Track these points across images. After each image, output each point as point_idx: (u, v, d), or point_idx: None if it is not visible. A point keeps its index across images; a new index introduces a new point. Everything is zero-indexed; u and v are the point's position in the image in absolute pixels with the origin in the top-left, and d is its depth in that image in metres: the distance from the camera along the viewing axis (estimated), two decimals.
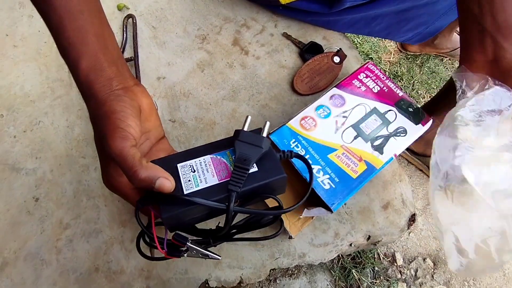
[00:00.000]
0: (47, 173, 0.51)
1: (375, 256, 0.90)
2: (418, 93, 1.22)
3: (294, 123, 0.46)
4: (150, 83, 0.58)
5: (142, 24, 0.63)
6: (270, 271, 0.48)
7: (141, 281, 0.46)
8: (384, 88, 0.50)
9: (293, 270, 0.77)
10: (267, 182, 0.32)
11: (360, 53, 1.26)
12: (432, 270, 0.91)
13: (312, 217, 0.48)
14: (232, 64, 0.60)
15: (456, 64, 1.27)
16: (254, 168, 0.33)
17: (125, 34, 0.61)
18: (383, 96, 0.49)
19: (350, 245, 0.51)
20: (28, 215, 0.48)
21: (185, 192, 0.31)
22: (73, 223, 0.48)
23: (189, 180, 0.32)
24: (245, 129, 0.35)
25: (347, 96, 0.49)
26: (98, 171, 0.51)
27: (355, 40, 1.29)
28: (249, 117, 0.36)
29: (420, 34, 0.68)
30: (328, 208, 0.41)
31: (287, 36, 0.62)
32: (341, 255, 0.81)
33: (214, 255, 0.35)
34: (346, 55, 0.58)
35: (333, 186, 0.42)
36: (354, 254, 0.87)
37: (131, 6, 0.64)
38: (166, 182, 0.29)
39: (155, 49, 0.61)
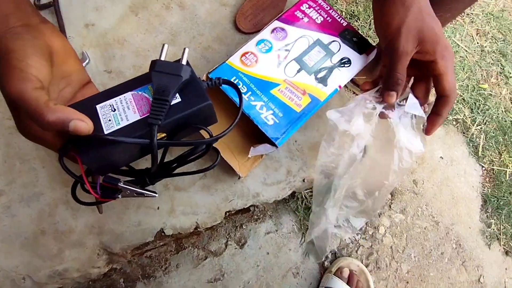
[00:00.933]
0: None
1: None
2: (375, 32, 1.21)
3: (234, 60, 0.43)
4: (77, 32, 0.52)
5: None
6: (226, 213, 0.49)
7: (93, 238, 0.45)
8: (328, 18, 0.48)
9: (258, 214, 0.79)
10: (192, 111, 0.31)
11: None
12: (389, 200, 0.97)
13: (262, 156, 0.47)
14: (169, 5, 0.55)
15: None
16: (177, 99, 0.31)
17: None
18: (327, 26, 0.47)
19: (303, 180, 0.52)
20: None
21: (106, 132, 0.30)
22: (7, 189, 0.45)
23: (110, 120, 0.30)
24: (162, 58, 0.32)
25: (289, 28, 0.46)
26: None
27: None
28: (166, 45, 0.33)
29: None
30: (273, 144, 0.41)
31: None
32: (304, 196, 0.84)
33: (150, 193, 0.35)
34: None
35: (277, 121, 0.41)
36: (310, 190, 0.90)
37: None
38: (81, 124, 0.27)
39: None
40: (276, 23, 0.46)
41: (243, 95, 0.40)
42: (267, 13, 0.54)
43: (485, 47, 1.23)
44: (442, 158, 1.06)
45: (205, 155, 0.35)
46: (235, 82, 0.42)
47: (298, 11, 0.48)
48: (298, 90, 0.43)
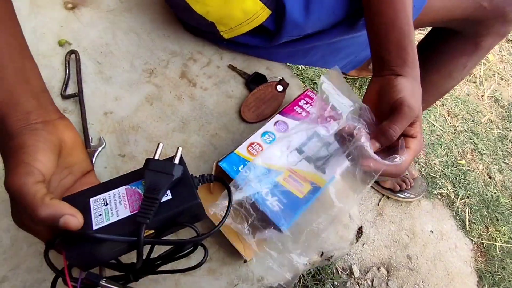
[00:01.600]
0: None
1: (334, 271, 0.93)
2: None
3: (241, 150, 0.48)
4: (97, 119, 0.57)
5: (86, 60, 0.62)
6: None
7: None
8: (323, 112, 0.55)
9: None
10: (181, 210, 0.32)
11: (305, 79, 1.36)
12: (386, 277, 0.96)
13: (265, 239, 0.49)
14: (181, 96, 0.62)
15: None
16: (168, 196, 0.32)
17: (67, 70, 0.60)
18: (323, 120, 0.54)
19: (305, 263, 0.53)
20: None
21: (94, 228, 0.30)
22: (11, 274, 0.44)
23: (100, 215, 0.31)
24: (157, 157, 0.34)
25: (289, 121, 0.52)
26: None
27: (300, 67, 1.39)
28: (161, 145, 0.35)
29: (351, 62, 0.76)
30: (278, 229, 0.43)
31: (232, 67, 0.66)
32: (302, 274, 0.83)
33: None
34: (288, 84, 0.63)
35: (282, 207, 0.45)
36: (313, 271, 0.89)
37: (74, 42, 0.64)
38: (71, 220, 0.28)
39: (101, 84, 0.60)
40: (278, 117, 0.53)
41: (232, 190, 0.40)
42: (268, 105, 0.61)
43: (457, 126, 1.36)
44: (432, 232, 1.09)
45: (192, 253, 0.35)
46: (241, 169, 0.46)
47: (297, 106, 0.55)
48: (300, 178, 0.48)
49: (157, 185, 0.32)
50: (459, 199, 1.16)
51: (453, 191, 1.18)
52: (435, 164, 1.24)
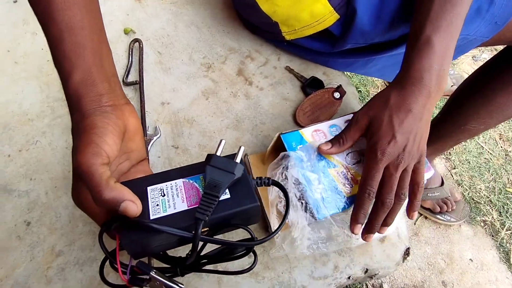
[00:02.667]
0: (42, 196, 0.49)
1: (364, 287, 0.90)
2: None
3: (306, 132, 0.48)
4: (154, 108, 0.58)
5: (148, 49, 0.64)
6: None
7: None
8: None
9: None
10: (239, 211, 0.31)
11: None
12: None
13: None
14: (236, 93, 0.61)
15: (439, 103, 1.35)
16: (226, 195, 0.32)
17: (130, 58, 0.61)
18: None
19: (349, 278, 0.51)
20: (18, 240, 0.46)
21: (151, 217, 0.30)
22: (66, 250, 0.46)
23: (157, 205, 0.31)
24: (219, 153, 0.33)
25: None
26: None
27: (346, 73, 1.36)
28: (223, 141, 0.34)
29: None
30: (312, 216, 0.42)
31: (289, 69, 0.65)
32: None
33: (176, 286, 0.32)
34: (345, 91, 0.61)
35: (323, 196, 0.43)
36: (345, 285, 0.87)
37: (138, 30, 0.65)
38: (131, 206, 0.28)
39: (160, 75, 0.61)
40: (351, 116, 0.50)
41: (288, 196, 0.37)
42: (324, 112, 0.60)
43: (510, 152, 1.27)
44: (472, 260, 1.02)
45: (243, 257, 0.34)
46: (299, 148, 0.46)
47: None
48: (352, 179, 0.46)
49: (218, 182, 0.31)
50: (504, 229, 1.09)
51: (498, 220, 1.11)
52: (480, 188, 1.17)
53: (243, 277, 0.48)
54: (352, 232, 0.43)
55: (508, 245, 1.06)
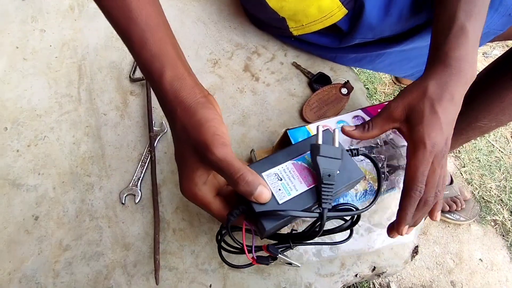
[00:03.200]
0: (49, 191, 0.49)
1: (371, 285, 0.89)
2: None
3: (312, 127, 0.47)
4: None
5: None
6: None
7: None
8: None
9: None
10: (349, 184, 0.35)
11: None
12: None
13: None
14: (243, 89, 0.61)
15: None
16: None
17: None
18: None
19: (356, 275, 0.51)
20: (26, 234, 0.46)
21: (280, 202, 0.32)
22: (73, 244, 0.46)
23: (279, 189, 0.33)
24: (320, 142, 0.35)
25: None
26: (103, 190, 0.50)
27: (353, 70, 1.34)
28: (320, 128, 0.36)
29: (420, 71, 0.71)
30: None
31: (296, 65, 0.64)
32: (344, 285, 0.80)
33: (296, 264, 0.38)
34: (353, 87, 0.60)
35: None
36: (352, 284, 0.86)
37: None
38: (265, 191, 0.30)
39: None
40: (359, 112, 0.50)
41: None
42: (331, 107, 0.59)
43: None
44: (482, 260, 1.01)
45: (352, 227, 0.37)
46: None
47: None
48: None
49: (331, 171, 0.33)
50: None
51: (509, 220, 1.08)
52: (491, 187, 1.15)
53: (248, 274, 0.47)
54: (399, 233, 0.39)
55: None
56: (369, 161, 0.43)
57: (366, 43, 0.59)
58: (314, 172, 0.35)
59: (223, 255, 0.38)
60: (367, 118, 0.50)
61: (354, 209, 0.35)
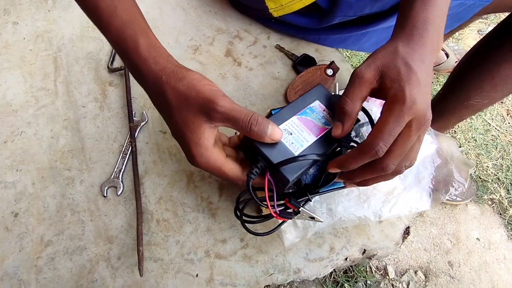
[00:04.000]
0: (28, 187, 0.48)
1: (367, 269, 0.89)
2: None
3: None
4: (140, 94, 0.56)
5: None
6: (264, 287, 0.47)
7: None
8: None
9: (285, 285, 0.75)
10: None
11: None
12: (423, 282, 0.90)
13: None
14: (225, 75, 0.59)
15: (440, 78, 1.31)
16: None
17: None
18: None
19: (346, 259, 0.50)
20: (6, 232, 0.45)
21: (296, 154, 0.34)
22: (55, 239, 0.45)
23: (292, 143, 0.35)
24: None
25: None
26: (84, 184, 0.49)
27: (345, 53, 1.32)
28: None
29: None
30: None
31: (280, 48, 0.62)
32: (336, 269, 0.79)
33: (319, 218, 0.39)
34: (339, 68, 0.59)
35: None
36: (346, 267, 0.86)
37: None
38: (276, 128, 0.31)
39: None
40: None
41: None
42: None
43: None
44: (479, 240, 1.00)
45: None
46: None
47: None
48: None
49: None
50: None
51: (506, 198, 1.07)
52: (487, 166, 1.13)
53: (236, 261, 0.47)
54: (329, 168, 0.35)
55: None
56: None
57: (348, 22, 0.57)
58: (318, 123, 0.37)
59: (247, 227, 0.39)
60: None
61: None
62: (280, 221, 0.39)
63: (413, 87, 0.31)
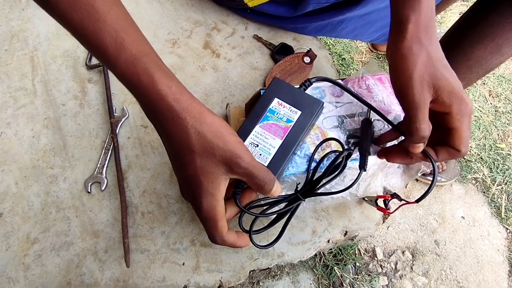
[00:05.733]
0: (12, 186, 0.48)
1: (356, 252, 0.92)
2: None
3: None
4: (120, 89, 0.57)
5: None
6: (249, 272, 0.48)
7: None
8: (386, 101, 0.49)
9: (276, 271, 0.77)
10: (315, 117, 0.39)
11: (333, 54, 1.29)
12: (411, 262, 0.93)
13: None
14: (204, 67, 0.60)
15: None
16: (297, 114, 0.39)
17: None
18: (380, 108, 0.48)
19: (328, 241, 0.51)
20: None
21: (266, 165, 0.36)
22: (41, 237, 0.46)
23: (261, 154, 0.37)
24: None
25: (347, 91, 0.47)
26: (68, 181, 0.49)
27: (328, 41, 1.32)
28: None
29: (386, 34, 0.70)
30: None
31: (258, 38, 0.62)
32: (323, 253, 0.82)
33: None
34: (316, 55, 0.60)
35: (294, 156, 0.42)
36: (335, 251, 0.88)
37: None
38: (279, 186, 0.33)
39: None
40: (338, 81, 0.48)
41: None
42: (295, 77, 0.58)
43: (499, 107, 1.26)
44: (464, 218, 1.03)
45: (348, 159, 0.40)
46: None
47: (363, 83, 0.48)
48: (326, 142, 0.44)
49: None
50: (495, 185, 1.09)
51: (489, 176, 1.11)
52: (471, 147, 1.16)
53: (220, 249, 0.48)
54: (414, 151, 0.38)
55: (499, 200, 1.07)
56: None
57: (322, 9, 0.57)
58: (280, 124, 0.38)
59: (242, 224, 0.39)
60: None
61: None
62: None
63: (462, 91, 0.34)
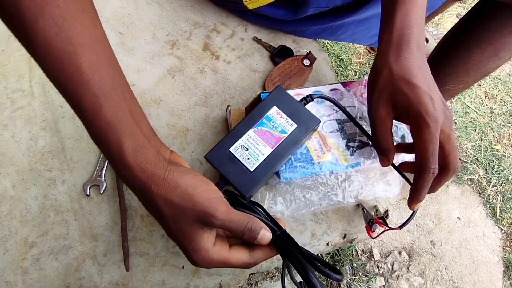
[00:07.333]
0: (9, 189, 0.48)
1: (353, 253, 0.92)
2: None
3: (289, 93, 0.46)
4: None
5: (108, 30, 0.61)
6: (249, 275, 0.48)
7: None
8: None
9: (274, 272, 0.77)
10: (310, 132, 0.39)
11: (331, 55, 1.30)
12: (407, 262, 0.94)
13: None
14: (203, 69, 0.60)
15: None
16: (293, 126, 0.39)
17: None
18: None
19: (327, 244, 0.52)
20: None
21: (252, 170, 0.36)
22: (39, 240, 0.46)
23: (248, 158, 0.37)
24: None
25: (347, 95, 0.48)
26: (66, 184, 0.49)
27: (326, 42, 1.32)
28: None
29: None
30: (278, 175, 0.42)
31: (257, 40, 0.62)
32: (320, 254, 0.82)
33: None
34: (315, 58, 0.60)
35: (292, 160, 0.42)
36: (332, 252, 0.89)
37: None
38: (266, 233, 0.32)
39: (123, 56, 0.59)
40: (338, 85, 0.48)
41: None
42: (294, 80, 0.58)
43: (495, 109, 1.27)
44: (459, 219, 1.04)
45: None
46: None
47: (363, 87, 0.49)
48: (325, 146, 0.44)
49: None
50: (491, 186, 1.10)
51: (485, 178, 1.12)
52: (467, 148, 1.17)
53: None
54: (412, 208, 0.40)
55: (494, 200, 1.08)
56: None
57: (322, 13, 0.57)
58: (274, 133, 0.38)
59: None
60: (345, 94, 0.47)
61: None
62: None
63: (426, 104, 0.33)
